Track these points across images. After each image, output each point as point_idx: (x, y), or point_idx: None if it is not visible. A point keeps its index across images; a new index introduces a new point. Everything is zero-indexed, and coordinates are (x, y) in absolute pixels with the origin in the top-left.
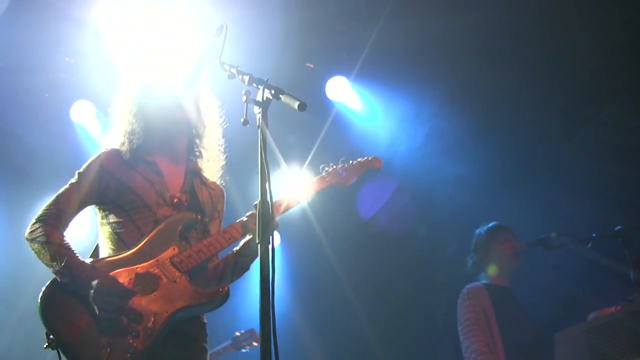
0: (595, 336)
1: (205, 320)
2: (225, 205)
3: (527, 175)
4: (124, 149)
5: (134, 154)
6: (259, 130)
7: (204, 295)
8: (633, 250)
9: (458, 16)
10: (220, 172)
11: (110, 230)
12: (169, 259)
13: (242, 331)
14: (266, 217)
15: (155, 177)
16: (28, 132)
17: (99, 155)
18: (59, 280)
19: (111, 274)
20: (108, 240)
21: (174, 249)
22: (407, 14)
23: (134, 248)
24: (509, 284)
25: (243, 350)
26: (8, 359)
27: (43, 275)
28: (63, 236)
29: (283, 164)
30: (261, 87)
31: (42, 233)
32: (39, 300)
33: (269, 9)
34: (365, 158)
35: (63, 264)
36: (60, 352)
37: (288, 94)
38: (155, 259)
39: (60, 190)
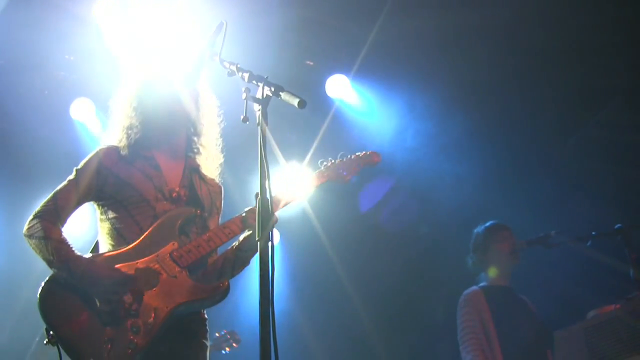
0: (595, 334)
1: (206, 316)
2: (223, 201)
3: (525, 174)
4: (122, 144)
5: (132, 150)
6: (259, 127)
7: (205, 290)
8: (633, 248)
9: (457, 15)
10: (219, 170)
11: (109, 225)
12: (168, 254)
13: (222, 332)
14: (266, 214)
15: (153, 171)
16: (28, 130)
17: (97, 152)
18: (57, 275)
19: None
20: (107, 236)
21: (173, 243)
22: (406, 11)
23: (133, 243)
24: (509, 283)
25: (222, 352)
26: (8, 355)
27: (42, 271)
28: (61, 232)
29: (283, 162)
30: (261, 85)
31: (40, 229)
32: (38, 296)
33: (269, 6)
34: (364, 152)
35: (61, 259)
36: (61, 347)
37: (288, 92)
38: (155, 254)
39: (58, 187)
